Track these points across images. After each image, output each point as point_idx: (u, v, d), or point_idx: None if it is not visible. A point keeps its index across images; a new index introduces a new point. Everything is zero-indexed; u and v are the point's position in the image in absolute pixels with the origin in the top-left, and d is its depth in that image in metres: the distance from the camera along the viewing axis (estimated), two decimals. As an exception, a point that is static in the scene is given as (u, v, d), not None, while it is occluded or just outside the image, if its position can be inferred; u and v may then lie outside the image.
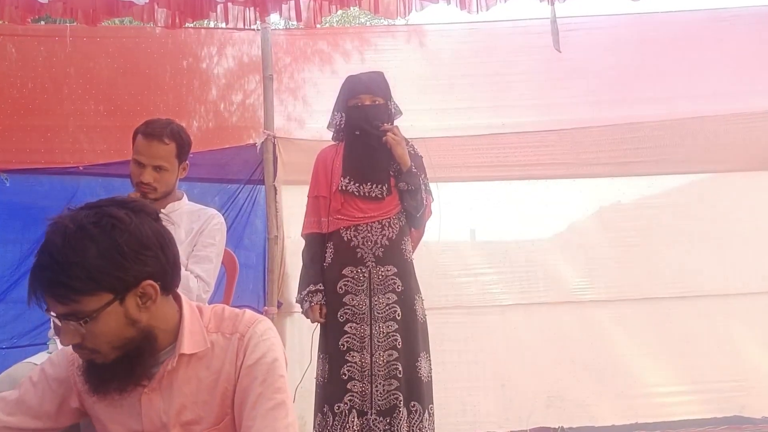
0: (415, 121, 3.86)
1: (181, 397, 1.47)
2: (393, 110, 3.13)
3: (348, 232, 2.98)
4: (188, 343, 1.45)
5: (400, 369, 2.86)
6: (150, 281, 1.37)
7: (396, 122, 3.13)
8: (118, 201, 1.40)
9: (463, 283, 4.46)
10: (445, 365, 3.94)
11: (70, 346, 1.41)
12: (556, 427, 4.14)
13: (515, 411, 4.25)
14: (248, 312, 1.55)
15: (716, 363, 4.33)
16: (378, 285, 2.93)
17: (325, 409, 2.87)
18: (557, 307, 4.44)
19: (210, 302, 2.67)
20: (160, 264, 1.39)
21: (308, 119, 4.35)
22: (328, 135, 3.29)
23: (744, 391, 4.30)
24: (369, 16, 8.78)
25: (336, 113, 3.14)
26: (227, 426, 1.50)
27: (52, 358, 1.59)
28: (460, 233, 4.54)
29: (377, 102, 3.06)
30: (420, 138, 3.55)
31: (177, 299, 1.49)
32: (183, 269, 2.48)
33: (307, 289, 3.00)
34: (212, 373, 1.48)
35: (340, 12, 4.57)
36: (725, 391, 4.30)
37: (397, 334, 2.89)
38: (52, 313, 1.34)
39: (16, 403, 1.54)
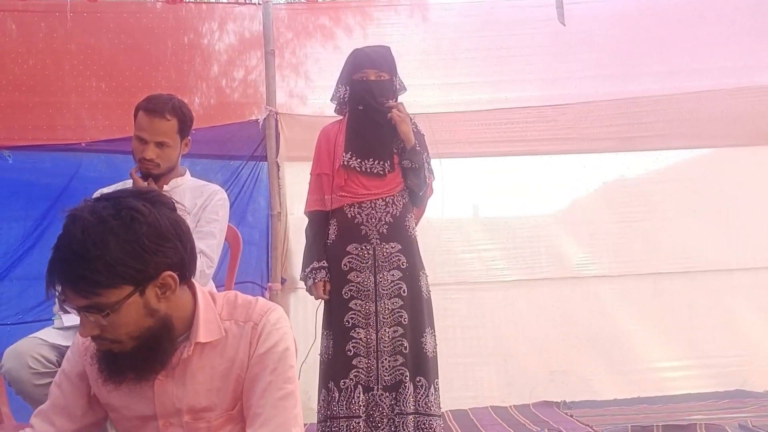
0: (417, 96, 3.84)
1: (194, 384, 1.48)
2: (398, 86, 3.09)
3: (352, 209, 2.97)
4: (203, 332, 1.46)
5: (406, 345, 2.87)
6: (170, 272, 1.37)
7: (399, 98, 3.10)
8: (134, 192, 1.40)
9: (466, 260, 4.47)
10: (448, 341, 3.95)
11: (81, 337, 1.42)
12: (559, 401, 4.16)
13: (518, 385, 4.28)
14: (261, 300, 1.56)
15: (719, 338, 4.35)
16: (383, 262, 2.93)
17: (330, 385, 2.88)
18: (560, 282, 4.45)
19: (213, 278, 2.68)
20: (179, 255, 1.39)
21: (310, 95, 4.32)
22: (330, 111, 3.26)
23: (746, 366, 4.33)
24: (371, -9, 8.69)
25: (340, 86, 3.11)
26: (240, 412, 1.51)
27: (68, 355, 1.61)
28: (463, 209, 4.53)
29: (382, 77, 3.02)
30: (423, 113, 3.53)
31: (191, 287, 1.49)
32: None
33: (311, 266, 2.99)
34: (226, 360, 1.49)
35: (341, -14, 4.51)
36: (727, 366, 4.32)
37: (403, 311, 2.90)
38: (71, 307, 1.35)
39: (52, 410, 1.57)
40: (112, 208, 1.32)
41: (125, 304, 1.33)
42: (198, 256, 2.48)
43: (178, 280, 1.40)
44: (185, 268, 1.42)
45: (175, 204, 1.43)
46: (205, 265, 2.53)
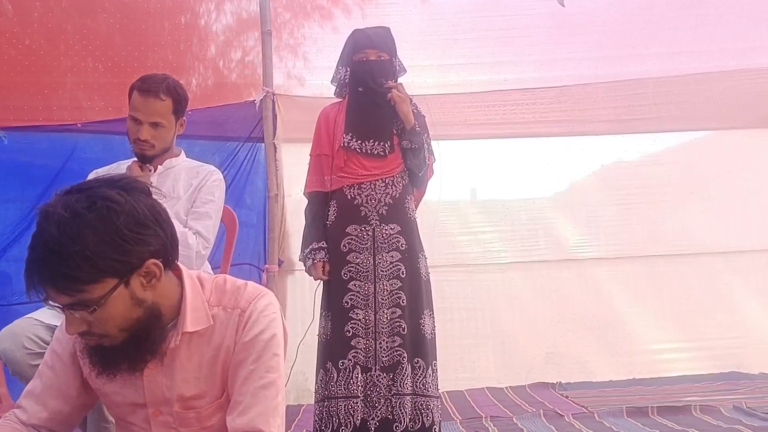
0: (415, 78, 3.81)
1: (183, 373, 1.46)
2: (398, 67, 3.08)
3: (351, 190, 2.97)
4: (191, 321, 1.43)
5: (404, 326, 2.87)
6: (153, 260, 1.33)
7: (399, 79, 3.08)
8: (107, 181, 1.35)
9: (464, 242, 4.48)
10: (445, 323, 3.97)
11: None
12: (555, 382, 4.19)
13: (514, 367, 4.31)
14: (250, 285, 1.52)
15: (714, 320, 4.38)
16: (382, 243, 2.93)
17: (328, 366, 2.89)
18: (557, 265, 4.47)
19: (210, 259, 2.68)
20: (160, 241, 1.35)
21: (308, 76, 4.29)
22: (329, 92, 3.24)
23: (741, 348, 4.36)
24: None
25: (340, 67, 3.09)
26: (228, 400, 1.49)
27: (57, 335, 1.56)
28: (460, 192, 4.54)
29: (382, 58, 3.00)
30: (421, 95, 3.52)
31: (177, 273, 1.46)
32: (181, 226, 2.47)
33: (310, 247, 2.99)
34: (213, 348, 1.46)
35: (339, -34, 4.47)
36: (723, 348, 4.35)
37: (402, 292, 2.90)
38: (57, 305, 1.30)
39: (45, 391, 1.52)
40: (85, 201, 1.27)
41: (111, 297, 1.29)
42: (194, 236, 2.51)
43: (162, 267, 1.36)
44: (168, 253, 1.38)
45: (151, 189, 1.39)
46: (201, 246, 2.52)
